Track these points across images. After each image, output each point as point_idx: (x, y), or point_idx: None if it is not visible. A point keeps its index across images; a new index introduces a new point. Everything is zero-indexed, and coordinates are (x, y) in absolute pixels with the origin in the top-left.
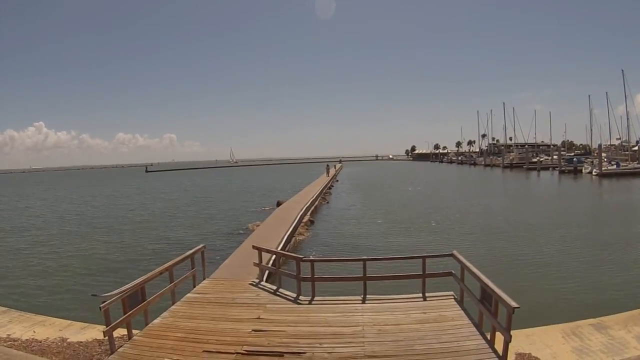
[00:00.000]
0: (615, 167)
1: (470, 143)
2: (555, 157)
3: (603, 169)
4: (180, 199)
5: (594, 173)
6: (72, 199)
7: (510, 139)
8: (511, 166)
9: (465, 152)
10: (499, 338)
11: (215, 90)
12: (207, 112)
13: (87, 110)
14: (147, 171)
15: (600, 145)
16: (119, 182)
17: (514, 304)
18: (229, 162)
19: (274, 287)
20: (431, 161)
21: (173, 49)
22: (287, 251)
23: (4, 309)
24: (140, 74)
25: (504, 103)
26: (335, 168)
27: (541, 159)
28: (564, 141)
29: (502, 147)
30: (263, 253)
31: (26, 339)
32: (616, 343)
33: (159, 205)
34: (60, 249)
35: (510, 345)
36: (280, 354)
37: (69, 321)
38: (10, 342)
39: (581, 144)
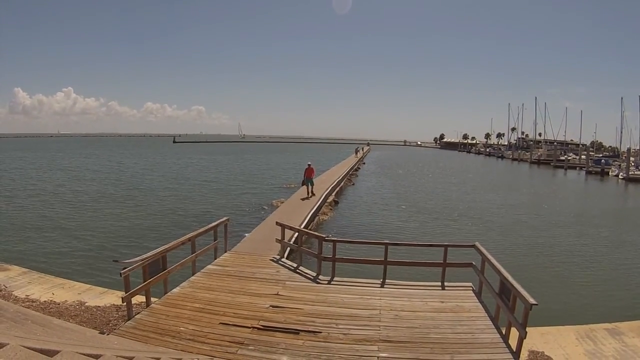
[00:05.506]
0: None
1: (499, 135)
2: (583, 156)
3: (630, 173)
4: (209, 174)
5: (620, 176)
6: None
7: (540, 134)
8: (539, 162)
9: (493, 144)
10: (514, 333)
11: (247, 67)
12: (236, 86)
13: (116, 77)
14: (174, 142)
15: (629, 149)
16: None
17: (532, 300)
18: (238, 136)
19: (295, 265)
20: (459, 150)
21: (206, 25)
22: (310, 230)
23: (24, 269)
24: (172, 45)
25: (535, 98)
26: (362, 150)
27: (569, 158)
28: (593, 141)
29: (531, 142)
30: (286, 230)
31: (44, 301)
32: (629, 351)
33: (188, 180)
34: (86, 213)
35: (525, 342)
36: (297, 332)
37: (89, 285)
38: (28, 303)
39: (610, 146)
